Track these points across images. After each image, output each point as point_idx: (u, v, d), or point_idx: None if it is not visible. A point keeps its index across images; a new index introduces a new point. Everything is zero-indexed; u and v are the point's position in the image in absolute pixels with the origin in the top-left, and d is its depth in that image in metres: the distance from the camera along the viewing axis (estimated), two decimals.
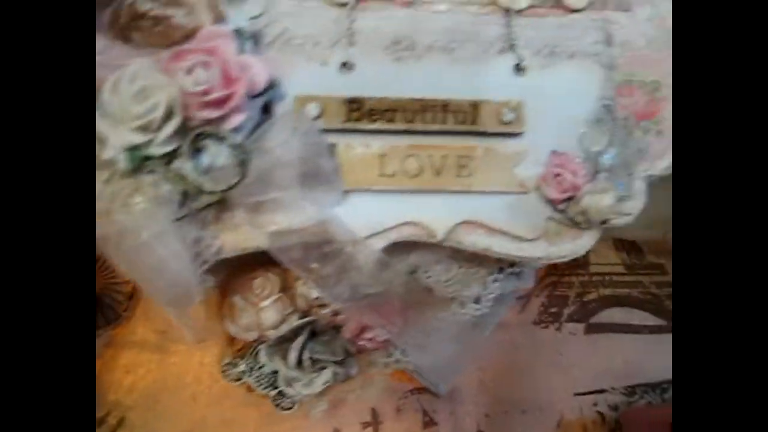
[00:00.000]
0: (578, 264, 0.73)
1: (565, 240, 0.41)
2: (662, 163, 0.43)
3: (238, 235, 0.39)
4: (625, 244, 0.74)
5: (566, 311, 0.68)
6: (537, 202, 0.41)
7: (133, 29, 0.37)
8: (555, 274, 0.72)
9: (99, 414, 0.59)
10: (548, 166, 0.40)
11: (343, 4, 0.41)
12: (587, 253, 0.72)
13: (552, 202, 0.40)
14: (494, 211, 0.40)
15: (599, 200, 0.39)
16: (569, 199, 0.40)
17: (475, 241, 0.40)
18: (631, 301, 0.70)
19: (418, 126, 0.40)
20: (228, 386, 0.63)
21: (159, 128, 0.35)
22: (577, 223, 0.41)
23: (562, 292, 0.70)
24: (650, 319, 0.69)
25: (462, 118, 0.40)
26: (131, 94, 0.34)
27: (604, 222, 0.40)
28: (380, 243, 0.40)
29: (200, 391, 0.62)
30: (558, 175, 0.39)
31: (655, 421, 0.52)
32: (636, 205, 0.42)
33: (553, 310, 0.68)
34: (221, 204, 0.38)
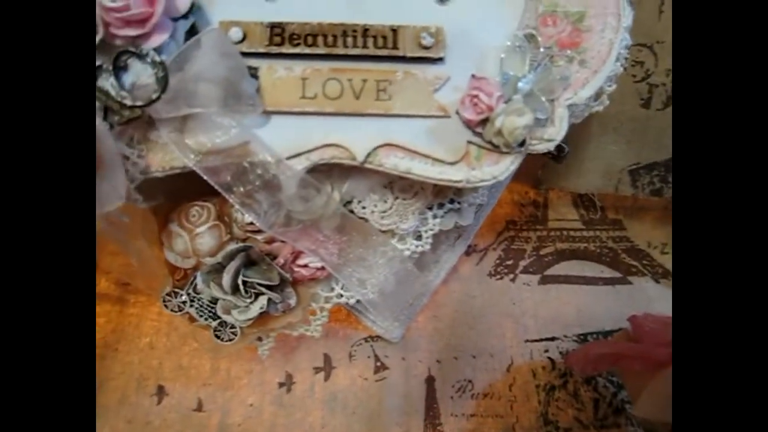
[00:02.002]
0: (537, 220, 0.73)
1: (486, 163, 0.42)
2: (585, 92, 0.44)
3: (165, 155, 0.40)
4: (583, 201, 0.75)
5: (522, 263, 0.69)
6: (457, 126, 0.42)
7: None
8: (513, 229, 0.73)
9: None
10: (467, 89, 0.41)
11: None
12: (545, 209, 0.75)
13: (468, 124, 0.41)
14: (414, 135, 0.42)
15: (513, 121, 0.40)
16: (485, 120, 0.41)
17: (396, 163, 0.41)
18: (588, 255, 0.70)
19: (339, 50, 0.41)
20: (185, 335, 0.65)
21: None
22: (496, 146, 0.42)
23: (518, 246, 0.71)
24: (606, 272, 0.69)
25: (382, 43, 0.41)
26: None
27: (522, 144, 0.42)
28: (302, 164, 0.41)
29: (158, 339, 0.63)
30: (474, 96, 0.40)
31: (598, 353, 0.53)
32: (557, 131, 0.43)
33: (509, 262, 0.69)
34: (148, 123, 0.40)
